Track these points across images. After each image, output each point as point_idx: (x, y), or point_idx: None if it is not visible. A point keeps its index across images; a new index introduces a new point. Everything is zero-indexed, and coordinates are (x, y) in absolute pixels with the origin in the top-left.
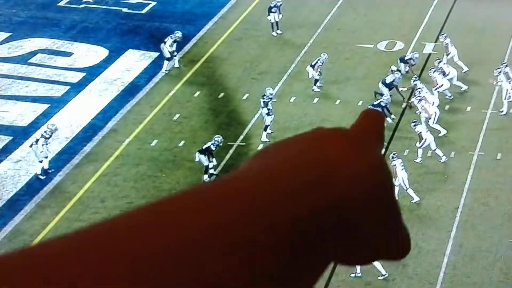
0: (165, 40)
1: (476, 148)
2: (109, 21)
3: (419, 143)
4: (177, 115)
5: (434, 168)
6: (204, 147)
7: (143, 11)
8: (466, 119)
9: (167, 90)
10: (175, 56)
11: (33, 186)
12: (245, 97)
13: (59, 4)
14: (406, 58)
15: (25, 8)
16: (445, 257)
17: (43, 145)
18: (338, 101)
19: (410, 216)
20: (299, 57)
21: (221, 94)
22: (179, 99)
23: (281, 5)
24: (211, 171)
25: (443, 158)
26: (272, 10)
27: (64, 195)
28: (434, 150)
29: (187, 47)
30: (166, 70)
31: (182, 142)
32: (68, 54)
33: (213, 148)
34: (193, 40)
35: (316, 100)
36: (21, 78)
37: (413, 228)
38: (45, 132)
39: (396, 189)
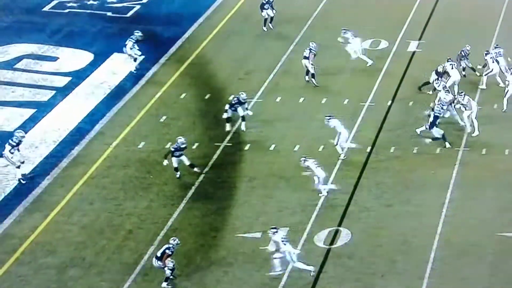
0: (126, 43)
1: (461, 144)
2: (94, 25)
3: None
4: (164, 117)
5: (421, 164)
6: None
7: (128, 15)
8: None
9: (154, 92)
10: (138, 56)
11: (21, 190)
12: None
13: (44, 9)
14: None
15: (9, 13)
16: (434, 252)
17: (11, 152)
18: (324, 99)
19: (398, 212)
20: (285, 55)
21: (208, 95)
22: (166, 101)
23: (273, 1)
24: (196, 169)
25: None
26: (265, 6)
27: (53, 199)
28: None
29: (172, 49)
30: (135, 70)
31: (170, 143)
32: (53, 58)
33: (172, 149)
34: (179, 42)
35: (302, 99)
36: (7, 83)
37: (402, 224)
38: (12, 139)
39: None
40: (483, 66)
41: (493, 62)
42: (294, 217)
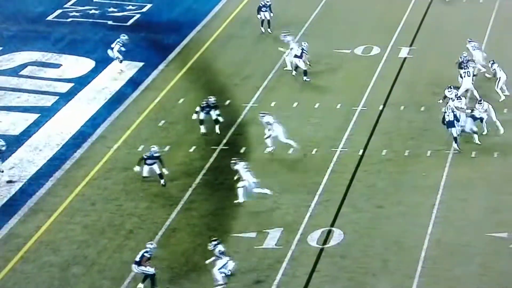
0: (112, 46)
1: (451, 146)
2: (96, 33)
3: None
4: (163, 121)
5: (412, 166)
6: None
7: (128, 23)
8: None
9: (153, 97)
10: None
11: (26, 191)
12: (227, 102)
13: (48, 18)
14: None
15: (15, 23)
16: (424, 252)
17: None
18: (317, 104)
19: (390, 213)
20: (280, 62)
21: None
22: (165, 106)
23: (270, 4)
24: (162, 181)
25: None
26: (262, 9)
27: (56, 199)
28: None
29: (171, 56)
30: (121, 70)
31: (168, 146)
32: (57, 65)
33: (144, 157)
34: (177, 49)
35: (296, 104)
36: (13, 89)
37: (393, 224)
38: None
39: (241, 190)
40: (494, 75)
41: (500, 70)
42: (288, 218)
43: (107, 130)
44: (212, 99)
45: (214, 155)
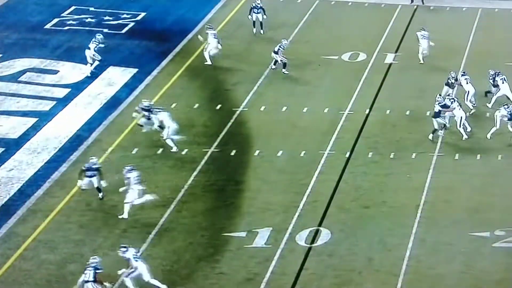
0: (89, 46)
1: (436, 149)
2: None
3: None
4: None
5: (397, 168)
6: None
7: (123, 31)
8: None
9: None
10: (98, 60)
11: (25, 192)
12: (218, 107)
13: (46, 26)
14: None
15: (15, 31)
16: (408, 251)
17: None
18: (305, 108)
19: (375, 213)
20: (269, 68)
21: (197, 105)
22: None
23: (262, 6)
24: (100, 195)
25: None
26: (254, 10)
27: (54, 200)
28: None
29: (164, 62)
30: (91, 71)
31: (161, 149)
32: (54, 72)
33: (83, 168)
34: (170, 56)
35: (285, 108)
36: (12, 94)
37: (379, 224)
38: None
39: (127, 206)
40: (494, 86)
41: (502, 82)
42: (277, 218)
43: (102, 134)
44: (145, 103)
45: (206, 157)
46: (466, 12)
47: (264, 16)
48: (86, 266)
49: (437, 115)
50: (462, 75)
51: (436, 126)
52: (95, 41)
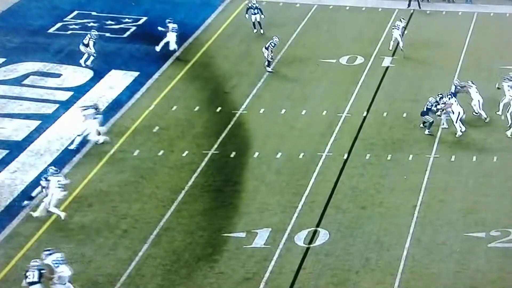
0: (86, 42)
1: (432, 151)
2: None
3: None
4: (157, 127)
5: (394, 169)
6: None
7: (125, 35)
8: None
9: (147, 105)
10: (93, 55)
11: (27, 193)
12: (218, 109)
13: (49, 31)
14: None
15: (18, 35)
16: (405, 250)
17: None
18: (304, 111)
19: (372, 214)
20: (267, 72)
21: (197, 107)
22: (158, 113)
23: (258, 7)
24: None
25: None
26: (252, 11)
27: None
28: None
29: (165, 66)
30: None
31: (161, 151)
32: (57, 75)
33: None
34: (170, 60)
35: (284, 111)
36: (16, 98)
37: (375, 224)
38: None
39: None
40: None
41: (508, 90)
42: (275, 218)
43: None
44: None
45: (206, 159)
46: (462, 16)
47: (262, 16)
48: (27, 269)
49: (424, 113)
50: (470, 84)
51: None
52: (91, 37)
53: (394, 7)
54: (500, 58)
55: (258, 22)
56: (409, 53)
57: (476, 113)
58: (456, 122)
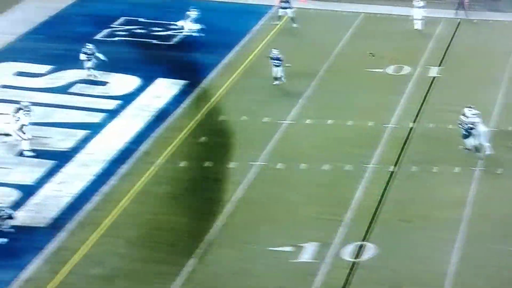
0: (92, 51)
1: (477, 163)
2: (141, 52)
3: None
4: (203, 138)
5: (440, 182)
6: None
7: (172, 42)
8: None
9: (194, 115)
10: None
11: (74, 205)
12: (264, 120)
13: (96, 37)
14: None
15: (64, 42)
16: (451, 266)
17: None
18: (350, 121)
19: (418, 227)
20: (313, 82)
21: (243, 117)
22: (204, 123)
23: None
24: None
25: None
26: (285, 6)
27: (102, 213)
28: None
29: (212, 74)
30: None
31: (207, 162)
32: (103, 83)
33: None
34: (217, 68)
35: (330, 121)
36: (62, 106)
37: (422, 238)
38: None
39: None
40: None
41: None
42: (321, 232)
43: (150, 146)
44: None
45: (251, 170)
46: (508, 25)
47: (292, 10)
48: None
49: (466, 136)
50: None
51: (470, 147)
52: (89, 55)
53: (440, 16)
54: None
55: (291, 18)
56: (456, 63)
57: None
58: (486, 142)
